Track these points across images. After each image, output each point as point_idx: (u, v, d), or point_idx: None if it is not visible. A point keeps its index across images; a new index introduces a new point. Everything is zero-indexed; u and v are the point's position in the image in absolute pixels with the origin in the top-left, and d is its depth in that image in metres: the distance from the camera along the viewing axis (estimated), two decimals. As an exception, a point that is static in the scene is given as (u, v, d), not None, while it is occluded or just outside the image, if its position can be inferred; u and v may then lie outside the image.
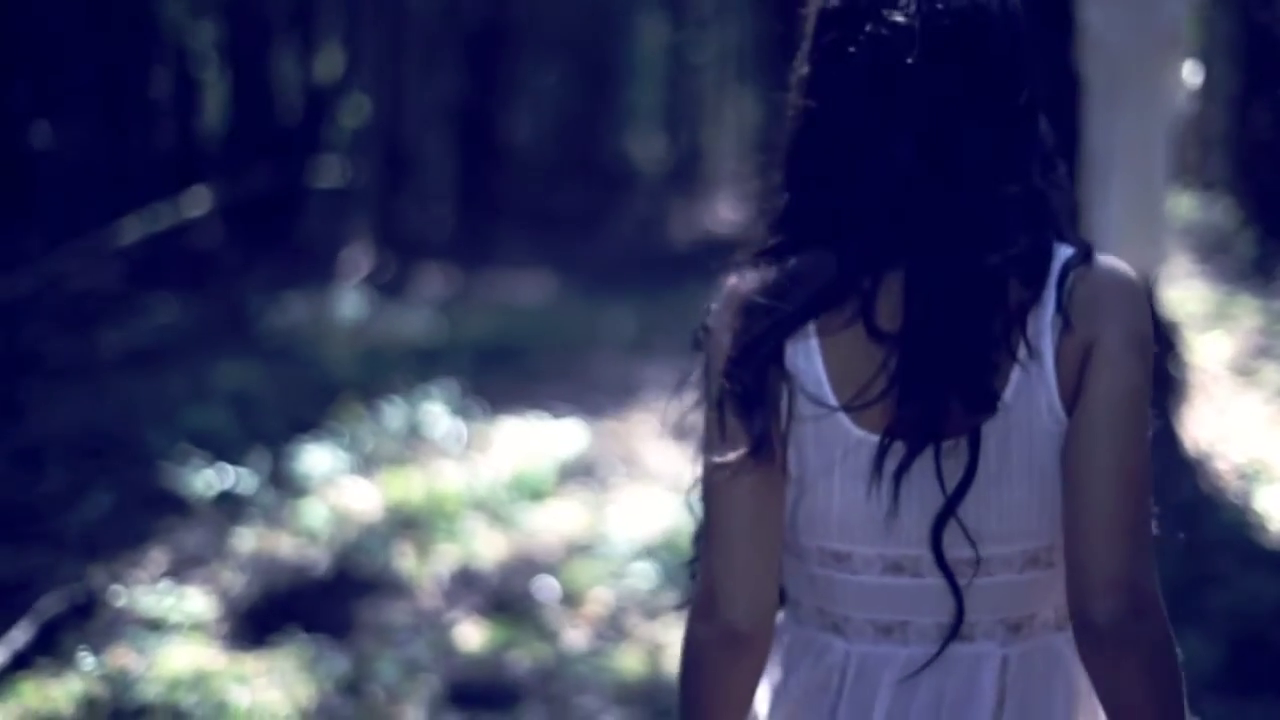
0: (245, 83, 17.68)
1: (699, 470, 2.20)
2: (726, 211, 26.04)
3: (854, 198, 2.12)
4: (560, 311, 14.13)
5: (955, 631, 2.16)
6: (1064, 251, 2.13)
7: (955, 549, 2.13)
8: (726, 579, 2.15)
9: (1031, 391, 2.09)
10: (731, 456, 2.12)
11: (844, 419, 2.13)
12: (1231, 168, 16.58)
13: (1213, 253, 15.61)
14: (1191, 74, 8.78)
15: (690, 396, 2.26)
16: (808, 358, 2.14)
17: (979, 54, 2.13)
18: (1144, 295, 2.14)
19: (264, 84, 17.88)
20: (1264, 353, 11.52)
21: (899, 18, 2.11)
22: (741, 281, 2.18)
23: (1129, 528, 2.02)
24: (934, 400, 2.07)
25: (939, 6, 2.12)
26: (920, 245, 2.08)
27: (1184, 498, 7.60)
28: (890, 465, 2.10)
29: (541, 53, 24.36)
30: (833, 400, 2.13)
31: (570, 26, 24.77)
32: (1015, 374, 2.08)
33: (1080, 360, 2.08)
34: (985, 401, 2.08)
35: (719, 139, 30.24)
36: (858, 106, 2.13)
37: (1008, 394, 2.09)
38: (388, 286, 15.23)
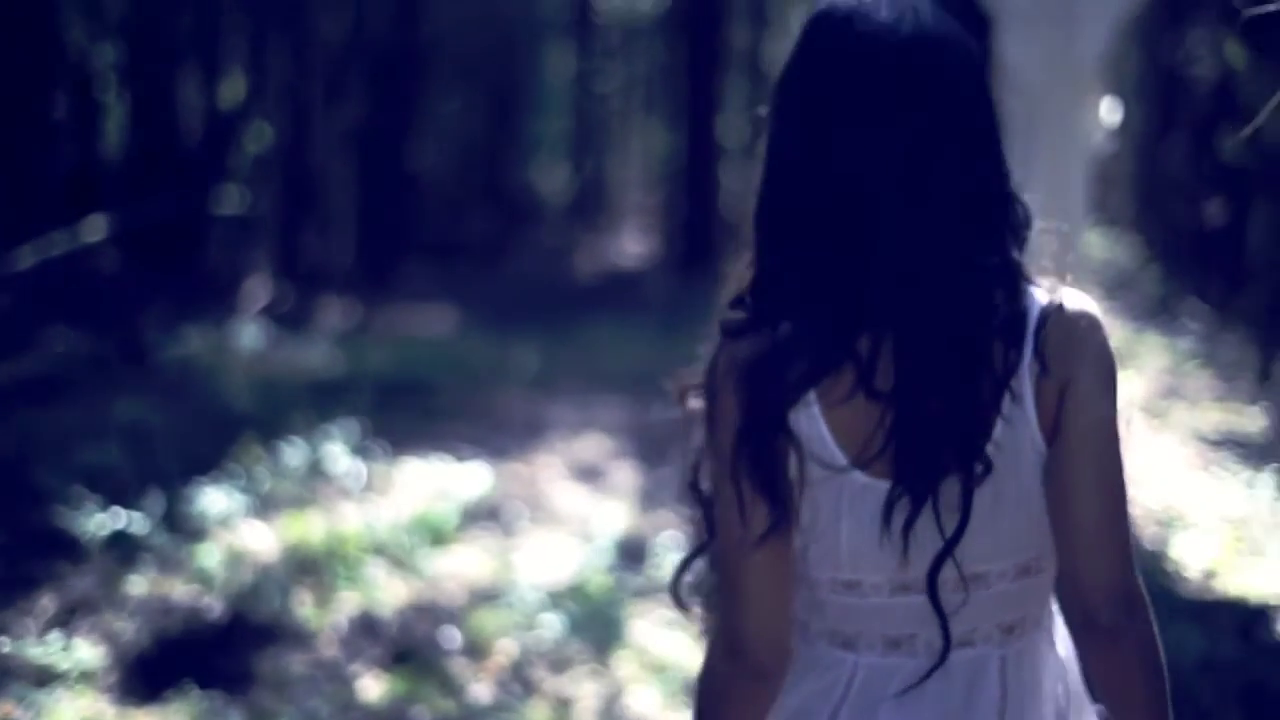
0: (146, 107, 17.33)
1: (717, 533, 2.33)
2: (631, 244, 25.94)
3: (838, 266, 2.24)
4: (463, 346, 13.88)
5: (944, 656, 2.32)
6: (1035, 301, 2.29)
7: (953, 571, 2.31)
8: (748, 627, 2.31)
9: (1016, 433, 2.28)
10: (755, 532, 2.27)
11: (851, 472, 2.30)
12: (1137, 205, 16.63)
13: (1118, 289, 15.60)
14: (1109, 112, 8.70)
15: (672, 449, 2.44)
16: (810, 421, 2.27)
17: (967, 117, 2.28)
18: (1104, 327, 2.31)
19: (166, 108, 17.53)
20: (1174, 393, 11.47)
21: (884, 88, 2.24)
22: (737, 348, 2.27)
23: (1116, 538, 2.25)
24: (931, 459, 2.25)
25: (921, 76, 2.25)
26: (908, 314, 2.22)
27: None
28: (898, 518, 2.27)
29: (447, 80, 24.13)
30: (841, 460, 2.28)
31: (476, 54, 24.57)
32: (1000, 421, 2.27)
33: (1057, 398, 2.27)
34: (977, 458, 2.25)
35: (625, 169, 30.14)
36: (841, 176, 2.24)
37: (996, 435, 2.27)
38: (288, 317, 14.96)
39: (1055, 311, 2.27)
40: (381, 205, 19.75)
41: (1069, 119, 8.61)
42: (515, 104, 25.68)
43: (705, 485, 2.44)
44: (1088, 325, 2.28)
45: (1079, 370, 2.26)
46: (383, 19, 20.20)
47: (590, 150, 28.39)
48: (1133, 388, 11.07)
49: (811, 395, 2.25)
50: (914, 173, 2.21)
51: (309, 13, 18.41)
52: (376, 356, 12.82)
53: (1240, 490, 8.68)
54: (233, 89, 18.78)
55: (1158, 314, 14.56)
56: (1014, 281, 2.27)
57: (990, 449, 2.25)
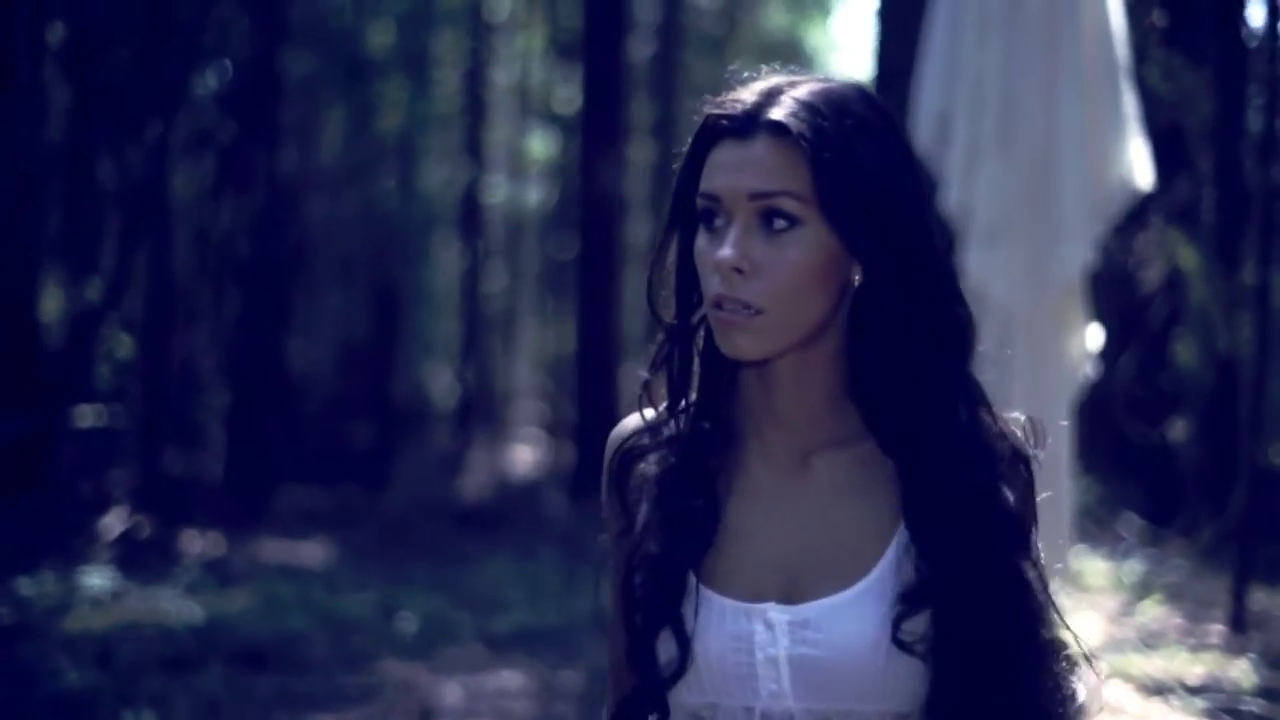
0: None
1: None
2: (524, 452, 24.62)
3: None
4: (338, 592, 12.25)
5: None
6: None
7: None
8: None
9: None
10: None
11: None
12: (1085, 419, 15.72)
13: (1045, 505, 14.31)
14: (1094, 339, 7.49)
15: None
16: None
17: None
18: None
19: (14, 316, 16.00)
20: (1142, 641, 10.06)
21: None
22: None
23: None
24: None
25: None
26: None
27: None
28: None
29: (327, 279, 22.80)
30: None
31: (358, 251, 23.28)
32: None
33: None
34: None
35: (514, 372, 29.00)
36: None
37: None
38: (145, 549, 13.51)
39: None
40: (255, 417, 18.31)
41: (1049, 345, 7.42)
42: (400, 303, 24.32)
43: None
44: None
45: None
46: (256, 219, 18.86)
47: (477, 352, 26.99)
48: (1093, 632, 9.67)
49: None
50: None
51: (174, 213, 17.08)
52: (238, 603, 11.30)
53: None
54: (91, 294, 17.38)
55: (1089, 529, 13.28)
56: None
57: None
